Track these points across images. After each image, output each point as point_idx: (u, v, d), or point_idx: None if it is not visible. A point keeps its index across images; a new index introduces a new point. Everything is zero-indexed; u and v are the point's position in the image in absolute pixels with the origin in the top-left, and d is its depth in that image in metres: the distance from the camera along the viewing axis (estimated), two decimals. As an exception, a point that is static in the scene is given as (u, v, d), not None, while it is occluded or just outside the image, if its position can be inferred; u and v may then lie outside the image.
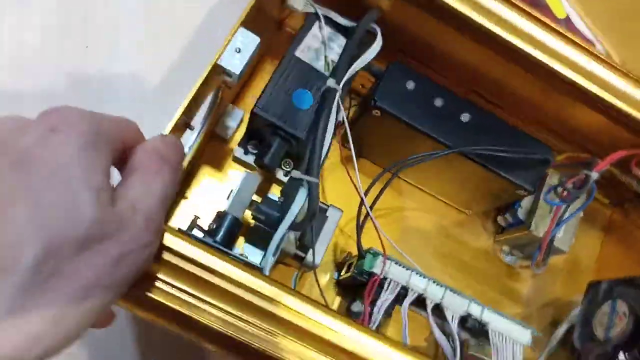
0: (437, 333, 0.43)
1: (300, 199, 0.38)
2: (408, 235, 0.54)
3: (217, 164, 0.51)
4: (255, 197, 0.43)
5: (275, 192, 0.51)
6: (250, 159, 0.50)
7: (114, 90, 0.51)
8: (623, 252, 0.57)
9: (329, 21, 0.45)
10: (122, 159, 0.26)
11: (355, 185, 0.44)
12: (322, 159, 0.39)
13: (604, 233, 0.59)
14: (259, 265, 0.38)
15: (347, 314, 0.48)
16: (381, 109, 0.44)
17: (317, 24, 0.45)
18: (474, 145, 0.45)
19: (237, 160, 0.51)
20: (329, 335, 0.33)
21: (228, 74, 0.38)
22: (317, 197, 0.38)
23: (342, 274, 0.49)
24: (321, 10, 0.45)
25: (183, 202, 0.49)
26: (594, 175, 0.46)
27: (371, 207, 0.44)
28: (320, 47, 0.46)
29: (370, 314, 0.43)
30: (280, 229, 0.38)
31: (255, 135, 0.48)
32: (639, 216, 0.57)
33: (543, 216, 0.52)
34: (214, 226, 0.40)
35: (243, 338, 0.32)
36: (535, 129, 0.52)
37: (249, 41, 0.39)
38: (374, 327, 0.42)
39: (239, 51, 0.38)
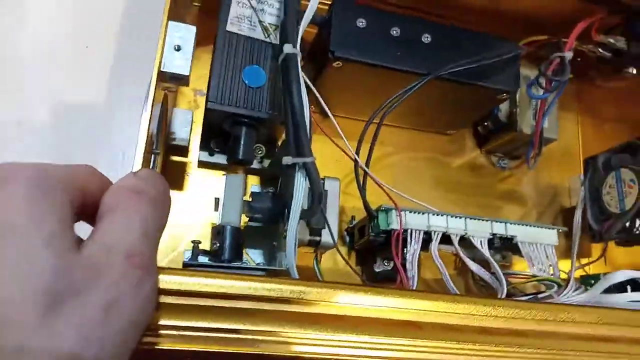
0: (474, 266, 0.42)
1: (301, 185, 0.34)
2: (402, 178, 0.51)
3: (181, 177, 0.46)
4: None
5: (255, 183, 0.47)
6: (219, 158, 0.45)
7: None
8: (601, 122, 0.58)
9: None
10: (91, 210, 0.23)
11: (343, 149, 0.41)
12: (309, 133, 0.34)
13: (578, 108, 0.59)
14: (284, 268, 0.34)
15: (374, 278, 0.45)
16: (342, 59, 0.40)
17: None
18: (445, 64, 0.42)
19: (204, 164, 0.46)
20: (388, 315, 0.30)
21: (176, 77, 0.33)
22: (318, 176, 0.34)
23: (356, 240, 0.46)
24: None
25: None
26: (568, 55, 0.44)
27: (367, 165, 0.41)
28: (251, 13, 0.41)
29: (405, 272, 0.40)
30: (291, 223, 0.34)
31: (216, 132, 0.43)
32: (604, 78, 0.57)
33: (524, 113, 0.50)
34: (217, 244, 0.36)
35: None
36: (490, 30, 0.49)
37: (184, 34, 0.34)
38: (415, 285, 0.39)
39: (179, 49, 0.33)
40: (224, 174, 0.40)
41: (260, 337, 0.28)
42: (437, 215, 0.42)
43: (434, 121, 0.52)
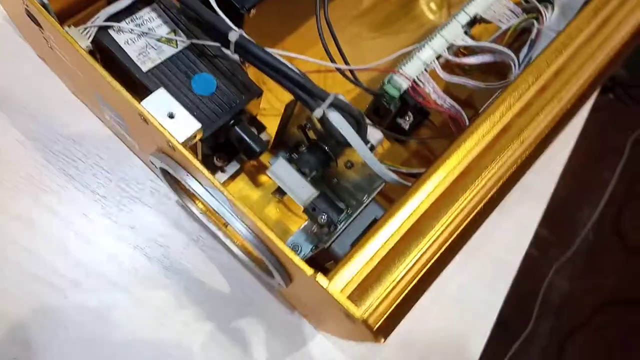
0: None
1: (340, 119, 0.35)
2: (356, 40, 0.53)
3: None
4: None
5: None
6: (232, 167, 0.45)
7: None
8: None
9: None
10: None
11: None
12: (305, 77, 0.35)
13: None
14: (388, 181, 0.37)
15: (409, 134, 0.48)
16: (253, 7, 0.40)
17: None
18: None
19: (228, 182, 0.46)
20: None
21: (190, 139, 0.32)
22: (349, 103, 0.35)
23: (380, 122, 0.48)
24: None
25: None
26: None
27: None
28: (144, 41, 0.39)
29: (451, 115, 0.43)
30: (359, 148, 0.36)
31: (216, 148, 0.43)
32: None
33: None
34: (323, 217, 0.38)
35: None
36: None
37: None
38: (467, 121, 0.43)
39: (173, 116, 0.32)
40: (269, 166, 0.40)
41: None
42: (421, 49, 0.45)
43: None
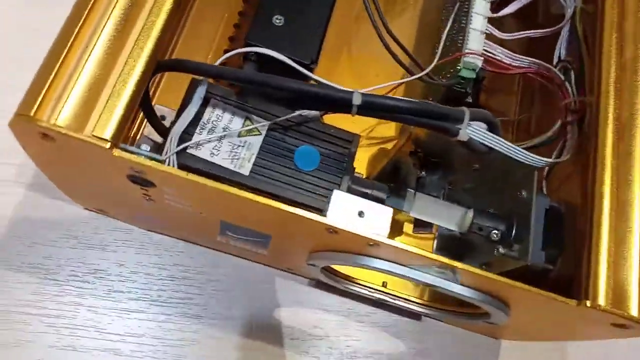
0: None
1: (490, 136, 0.32)
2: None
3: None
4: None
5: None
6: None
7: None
8: None
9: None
10: None
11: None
12: (434, 103, 0.31)
13: None
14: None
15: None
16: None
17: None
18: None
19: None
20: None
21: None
22: (481, 111, 0.33)
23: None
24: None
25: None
26: None
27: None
28: (226, 145, 0.34)
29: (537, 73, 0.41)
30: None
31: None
32: None
33: None
34: (496, 233, 0.35)
35: None
36: None
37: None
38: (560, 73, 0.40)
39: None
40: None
41: None
42: (470, 19, 0.42)
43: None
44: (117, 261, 0.40)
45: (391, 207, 0.39)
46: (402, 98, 0.31)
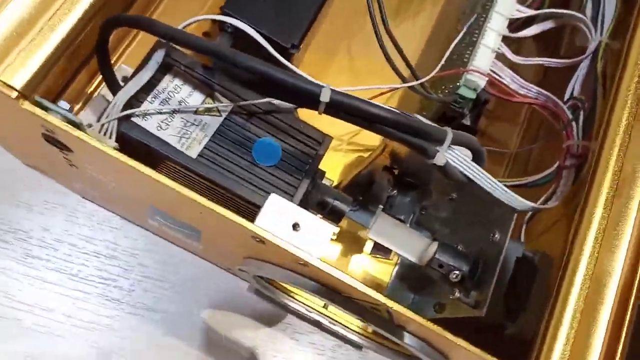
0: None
1: (470, 164, 0.29)
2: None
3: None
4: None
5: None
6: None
7: None
8: None
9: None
10: None
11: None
12: (418, 119, 0.28)
13: None
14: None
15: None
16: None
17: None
18: None
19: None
20: None
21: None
22: (465, 135, 0.29)
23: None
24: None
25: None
26: None
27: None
28: (178, 120, 0.30)
29: (543, 105, 0.37)
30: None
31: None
32: None
33: None
34: (457, 274, 0.31)
35: None
36: None
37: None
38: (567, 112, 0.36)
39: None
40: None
41: None
42: (483, 34, 0.38)
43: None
44: (43, 225, 0.37)
45: (355, 221, 0.36)
46: (379, 104, 0.27)
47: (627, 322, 0.26)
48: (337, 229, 0.26)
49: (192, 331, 0.36)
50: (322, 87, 0.26)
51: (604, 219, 0.27)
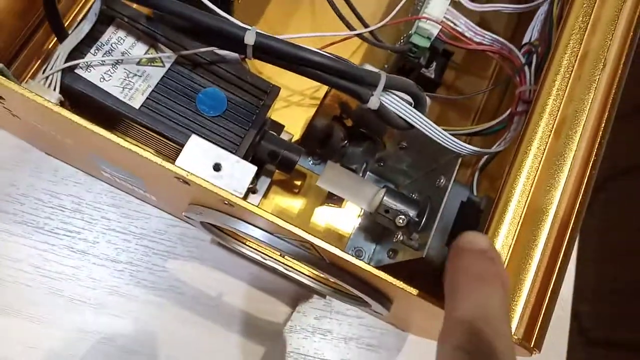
0: None
1: (406, 107, 0.29)
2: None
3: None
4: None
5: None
6: (264, 185, 0.38)
7: None
8: None
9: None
10: None
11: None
12: (348, 62, 0.28)
13: None
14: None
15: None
16: None
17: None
18: None
19: (262, 201, 0.39)
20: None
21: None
22: (404, 80, 0.29)
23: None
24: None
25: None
26: None
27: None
28: (121, 71, 0.31)
29: (497, 52, 0.37)
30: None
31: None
32: None
33: None
34: (403, 219, 0.32)
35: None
36: None
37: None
38: (521, 57, 0.36)
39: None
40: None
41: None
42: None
43: None
44: (9, 181, 0.38)
45: (315, 173, 0.37)
46: (310, 48, 0.27)
47: (559, 262, 0.26)
48: (255, 168, 0.27)
49: (156, 282, 0.38)
50: (247, 29, 0.26)
51: (537, 157, 0.27)
